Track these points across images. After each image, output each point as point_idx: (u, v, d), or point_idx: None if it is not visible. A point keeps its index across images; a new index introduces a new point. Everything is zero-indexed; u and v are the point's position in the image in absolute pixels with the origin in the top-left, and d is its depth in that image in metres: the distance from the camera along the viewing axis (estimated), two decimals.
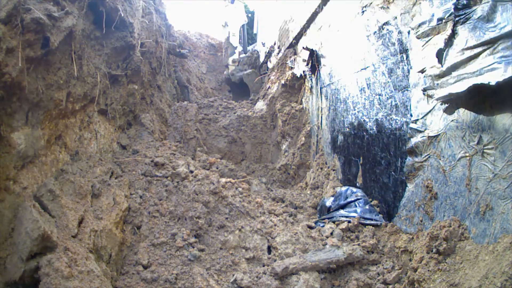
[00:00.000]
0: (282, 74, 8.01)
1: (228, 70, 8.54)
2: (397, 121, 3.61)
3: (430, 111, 3.10)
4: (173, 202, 4.01)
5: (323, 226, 4.13)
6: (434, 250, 2.85)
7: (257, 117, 7.68)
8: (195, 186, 4.04)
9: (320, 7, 5.83)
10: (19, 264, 2.60)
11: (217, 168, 5.81)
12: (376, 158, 4.05)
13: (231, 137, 7.64)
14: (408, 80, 3.40)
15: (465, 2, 2.52)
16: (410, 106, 3.38)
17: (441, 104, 2.91)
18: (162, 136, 6.27)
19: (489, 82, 2.20)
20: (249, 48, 13.22)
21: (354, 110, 4.60)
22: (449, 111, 2.85)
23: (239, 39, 9.14)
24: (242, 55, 9.17)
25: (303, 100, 7.09)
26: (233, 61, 8.44)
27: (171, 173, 4.35)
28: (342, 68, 4.96)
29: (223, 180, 4.55)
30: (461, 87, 2.47)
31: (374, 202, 4.08)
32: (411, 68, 3.33)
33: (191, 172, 4.42)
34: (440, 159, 3.01)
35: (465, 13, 2.50)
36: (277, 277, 3.29)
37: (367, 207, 4.03)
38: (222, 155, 7.35)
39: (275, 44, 10.04)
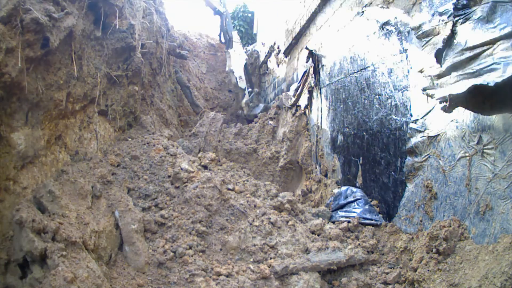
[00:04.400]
0: None
1: (243, 112, 9.17)
2: (397, 121, 3.61)
3: (430, 111, 3.10)
4: (174, 205, 4.01)
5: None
6: (434, 250, 2.85)
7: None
8: (197, 189, 4.03)
9: (320, 7, 5.83)
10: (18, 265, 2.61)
11: (218, 169, 5.80)
12: (376, 158, 4.05)
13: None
14: (408, 80, 3.40)
15: (465, 2, 2.52)
16: (410, 106, 3.38)
17: (441, 104, 2.91)
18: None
19: (487, 83, 2.20)
20: (249, 48, 13.23)
21: (354, 110, 4.60)
22: (449, 111, 2.84)
23: (246, 81, 9.65)
24: (252, 95, 9.61)
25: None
26: (246, 103, 9.05)
27: (173, 176, 4.34)
28: (342, 68, 4.96)
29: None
30: (461, 87, 2.47)
31: (374, 202, 4.08)
32: (411, 68, 3.33)
33: (192, 173, 4.40)
34: (440, 159, 3.01)
35: (464, 14, 2.50)
36: (277, 276, 3.29)
37: (367, 207, 4.03)
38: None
39: (275, 44, 10.05)
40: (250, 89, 9.79)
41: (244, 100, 9.35)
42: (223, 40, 9.54)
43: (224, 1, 9.08)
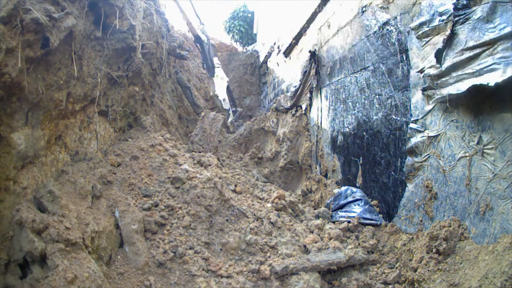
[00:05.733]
0: None
1: (229, 129, 9.83)
2: (397, 121, 3.61)
3: (430, 111, 3.10)
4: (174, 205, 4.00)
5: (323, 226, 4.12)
6: (434, 250, 2.85)
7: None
8: (197, 189, 4.03)
9: (320, 7, 5.83)
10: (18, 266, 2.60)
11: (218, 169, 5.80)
12: (376, 158, 4.05)
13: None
14: (408, 80, 3.40)
15: (465, 2, 2.52)
16: (410, 106, 3.38)
17: (441, 104, 2.91)
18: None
19: (488, 83, 2.20)
20: (249, 48, 13.25)
21: (354, 110, 4.60)
22: (449, 111, 2.85)
23: (229, 101, 10.36)
24: (236, 114, 10.51)
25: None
26: (231, 123, 9.90)
27: (172, 177, 4.33)
28: (342, 68, 4.96)
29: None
30: (461, 87, 2.47)
31: (374, 202, 4.08)
32: (411, 68, 3.33)
33: (192, 174, 4.40)
34: (440, 159, 3.01)
35: (464, 14, 2.51)
36: (277, 277, 3.29)
37: (367, 207, 4.03)
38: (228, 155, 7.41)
39: (275, 44, 10.06)
40: (233, 109, 10.41)
41: (229, 120, 9.87)
42: (204, 68, 9.84)
43: (205, 29, 9.11)
